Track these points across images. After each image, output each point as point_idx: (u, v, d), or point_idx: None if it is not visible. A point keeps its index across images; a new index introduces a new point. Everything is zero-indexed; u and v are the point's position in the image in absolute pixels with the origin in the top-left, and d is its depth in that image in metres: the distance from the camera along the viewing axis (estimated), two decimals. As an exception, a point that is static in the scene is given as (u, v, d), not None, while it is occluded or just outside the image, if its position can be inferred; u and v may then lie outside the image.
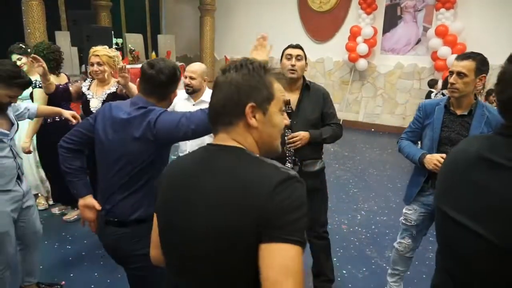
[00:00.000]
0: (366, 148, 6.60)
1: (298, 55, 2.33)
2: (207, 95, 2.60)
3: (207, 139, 1.94)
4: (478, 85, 2.04)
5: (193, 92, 2.74)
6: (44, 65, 2.66)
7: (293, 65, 2.30)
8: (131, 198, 1.66)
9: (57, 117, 3.38)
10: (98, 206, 1.74)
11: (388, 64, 7.54)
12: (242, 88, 0.98)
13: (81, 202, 1.76)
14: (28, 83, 2.15)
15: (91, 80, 3.01)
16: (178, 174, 1.07)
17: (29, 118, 2.56)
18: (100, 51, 2.84)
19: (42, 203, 3.85)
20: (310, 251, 2.65)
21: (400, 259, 2.47)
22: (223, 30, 9.00)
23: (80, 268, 2.95)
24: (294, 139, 2.25)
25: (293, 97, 2.33)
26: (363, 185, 4.87)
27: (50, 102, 3.09)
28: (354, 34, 7.44)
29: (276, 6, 8.44)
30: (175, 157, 1.86)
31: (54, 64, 3.39)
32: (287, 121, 1.09)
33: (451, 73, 2.06)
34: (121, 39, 7.29)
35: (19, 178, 2.23)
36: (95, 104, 2.87)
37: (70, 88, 3.02)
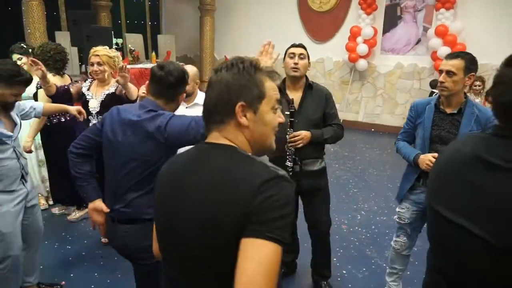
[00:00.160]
0: (366, 148, 6.60)
1: (301, 54, 2.35)
2: (200, 98, 2.63)
3: None
4: (467, 83, 2.08)
5: (186, 96, 2.77)
6: (43, 68, 2.67)
7: (296, 63, 2.33)
8: (145, 197, 1.70)
9: (62, 118, 3.39)
10: (106, 209, 1.79)
11: (388, 64, 7.54)
12: (232, 87, 0.99)
13: (90, 206, 1.81)
14: (29, 80, 2.16)
15: (92, 81, 3.02)
16: (172, 172, 1.09)
17: (35, 116, 2.59)
18: (100, 51, 2.84)
19: (42, 203, 3.85)
20: (310, 247, 2.73)
21: (397, 258, 2.49)
22: (223, 30, 9.00)
23: (80, 268, 2.96)
24: (296, 138, 2.26)
25: (296, 96, 2.35)
26: (363, 185, 4.87)
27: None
28: (354, 34, 7.45)
29: (276, 6, 8.44)
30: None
31: (61, 64, 3.41)
32: (281, 119, 1.09)
33: (441, 71, 2.10)
34: (121, 39, 7.29)
35: (23, 177, 2.24)
36: (93, 105, 2.87)
37: (71, 89, 3.03)
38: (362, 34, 7.35)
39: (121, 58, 3.03)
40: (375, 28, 7.37)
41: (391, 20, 7.42)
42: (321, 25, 8.06)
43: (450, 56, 2.09)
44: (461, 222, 0.96)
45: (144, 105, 1.74)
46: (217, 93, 1.01)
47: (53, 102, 3.04)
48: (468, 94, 5.63)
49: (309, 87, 2.42)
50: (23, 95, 2.32)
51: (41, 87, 3.17)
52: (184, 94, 1.87)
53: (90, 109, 2.86)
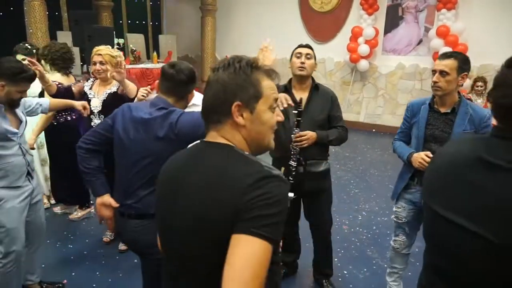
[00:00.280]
0: (367, 148, 6.60)
1: (307, 54, 2.37)
2: (197, 98, 2.66)
3: None
4: (460, 83, 2.12)
5: None
6: (40, 68, 2.70)
7: (302, 63, 2.35)
8: None
9: (68, 117, 3.40)
10: (114, 204, 1.81)
11: (389, 64, 7.54)
12: (228, 87, 0.99)
13: (98, 200, 1.84)
14: (33, 76, 2.19)
15: (94, 80, 3.03)
16: (171, 170, 1.11)
17: (42, 112, 2.60)
18: (103, 50, 2.86)
19: (44, 202, 3.86)
20: (311, 247, 2.76)
21: (397, 257, 2.50)
22: (224, 30, 9.00)
23: (81, 267, 2.97)
24: (302, 137, 2.26)
25: (302, 96, 2.35)
26: (364, 186, 4.87)
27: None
28: (355, 34, 7.44)
29: (277, 6, 8.44)
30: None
31: (69, 64, 3.43)
32: (280, 118, 1.09)
33: (434, 72, 2.13)
34: (122, 39, 7.30)
35: (29, 174, 2.27)
36: (95, 104, 2.89)
37: (73, 88, 3.04)
38: (364, 34, 7.35)
39: (123, 58, 3.04)
40: (376, 28, 7.37)
41: (393, 20, 7.41)
42: (322, 26, 8.05)
43: (443, 56, 2.12)
44: (461, 222, 0.97)
45: (155, 103, 1.78)
46: (214, 93, 1.01)
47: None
48: (470, 95, 5.63)
49: (315, 88, 2.44)
50: (29, 93, 2.34)
51: None
52: (193, 93, 1.91)
53: (92, 108, 2.87)
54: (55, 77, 3.25)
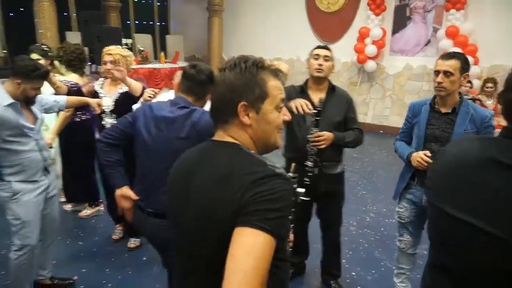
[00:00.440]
0: (374, 149, 6.57)
1: (326, 56, 2.37)
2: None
3: None
4: (463, 83, 2.14)
5: None
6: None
7: (320, 65, 2.35)
8: None
9: (83, 116, 3.44)
10: (134, 196, 1.87)
11: (397, 65, 7.51)
12: (234, 87, 1.00)
13: (118, 192, 1.89)
14: (46, 73, 2.26)
15: (104, 79, 3.06)
16: (181, 168, 1.12)
17: (59, 110, 2.67)
18: (113, 50, 2.90)
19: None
20: (319, 248, 2.76)
21: (403, 257, 2.50)
22: (231, 30, 9.02)
23: (91, 264, 3.00)
24: (320, 138, 2.25)
25: (319, 97, 2.35)
26: (372, 187, 4.85)
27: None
28: (362, 35, 7.42)
29: (283, 6, 8.44)
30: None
31: (84, 64, 3.50)
32: (287, 117, 1.10)
33: (437, 72, 2.15)
34: (130, 40, 7.35)
35: (46, 169, 2.31)
36: (107, 103, 2.92)
37: (83, 89, 3.08)
38: (371, 35, 7.32)
39: (133, 57, 3.08)
40: (384, 29, 7.34)
41: (400, 21, 7.38)
42: (329, 26, 8.04)
43: (446, 57, 2.14)
44: (470, 220, 0.98)
45: (176, 101, 1.85)
46: (220, 93, 1.03)
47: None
48: (480, 96, 5.60)
49: (332, 90, 2.44)
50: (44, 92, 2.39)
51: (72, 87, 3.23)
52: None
53: (104, 107, 2.90)
54: (72, 78, 3.32)
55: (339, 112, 2.40)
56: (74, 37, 6.64)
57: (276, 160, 1.05)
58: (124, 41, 6.54)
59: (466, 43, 6.38)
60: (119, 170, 1.91)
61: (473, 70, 6.31)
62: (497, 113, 4.09)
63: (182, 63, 7.52)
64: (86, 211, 3.75)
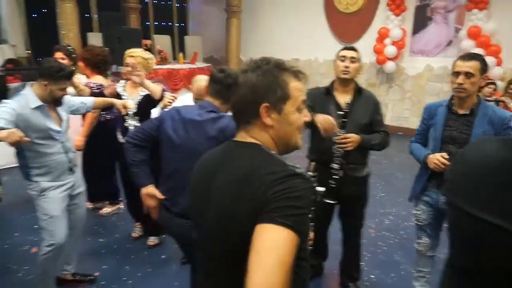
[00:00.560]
0: (393, 151, 6.45)
1: (352, 57, 2.33)
2: None
3: None
4: (482, 84, 2.14)
5: None
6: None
7: (346, 67, 2.31)
8: None
9: (107, 116, 3.50)
10: (159, 195, 1.91)
11: (417, 66, 7.39)
12: (256, 89, 1.02)
13: (143, 190, 1.94)
14: (71, 74, 2.31)
15: (126, 81, 3.10)
16: (203, 169, 1.14)
17: (87, 111, 2.74)
18: (135, 52, 2.93)
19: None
20: (338, 250, 2.75)
21: (422, 259, 2.48)
22: (249, 31, 9.04)
23: (112, 260, 3.05)
24: (347, 140, 2.23)
25: (344, 99, 2.33)
26: (391, 189, 4.79)
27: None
28: (382, 35, 7.34)
29: (302, 7, 8.41)
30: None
31: (108, 66, 3.58)
32: (307, 118, 1.11)
33: (457, 73, 2.12)
34: (150, 40, 7.43)
35: (71, 169, 2.37)
36: (130, 105, 2.95)
37: (105, 91, 3.14)
38: (390, 35, 7.23)
39: (154, 60, 3.11)
40: (404, 29, 7.24)
41: (421, 21, 7.26)
42: (348, 27, 7.98)
43: (466, 58, 2.12)
44: (494, 220, 0.97)
45: (204, 105, 1.90)
46: (242, 94, 1.04)
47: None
48: (503, 98, 5.46)
49: (358, 92, 2.40)
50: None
51: (97, 89, 3.30)
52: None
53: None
54: (96, 79, 3.37)
55: (365, 114, 2.37)
56: (95, 38, 6.77)
57: (300, 163, 1.05)
58: (143, 42, 6.62)
59: (488, 43, 6.24)
60: (145, 169, 1.95)
61: (496, 71, 6.16)
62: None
63: (200, 64, 7.58)
64: (107, 209, 3.81)
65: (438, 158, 2.12)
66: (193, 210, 1.16)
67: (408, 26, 7.33)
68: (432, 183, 2.28)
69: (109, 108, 3.34)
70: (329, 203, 2.28)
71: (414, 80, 7.48)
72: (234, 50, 8.77)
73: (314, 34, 8.16)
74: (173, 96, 2.69)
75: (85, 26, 7.25)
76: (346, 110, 2.22)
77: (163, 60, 7.08)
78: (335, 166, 2.25)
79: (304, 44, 8.27)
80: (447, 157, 2.10)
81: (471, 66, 2.07)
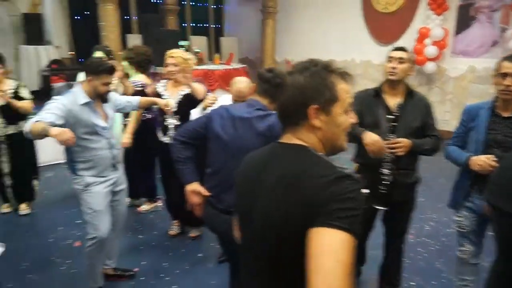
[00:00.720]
0: (434, 155, 6.27)
1: (400, 58, 2.25)
2: None
3: None
4: None
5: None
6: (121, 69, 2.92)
7: (393, 68, 2.24)
8: None
9: (148, 115, 3.59)
10: (204, 192, 1.93)
11: (459, 67, 7.10)
12: (304, 90, 1.02)
13: (188, 187, 1.97)
14: (112, 68, 2.36)
15: (166, 81, 3.17)
16: (249, 169, 1.15)
17: (132, 110, 2.84)
18: (176, 53, 3.02)
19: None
20: (376, 254, 2.70)
21: (465, 267, 2.39)
22: (284, 32, 9.01)
23: (150, 257, 3.12)
24: (398, 145, 2.16)
25: (394, 102, 2.26)
26: (431, 194, 4.62)
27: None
28: (422, 35, 7.11)
29: (338, 8, 8.30)
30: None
31: (151, 65, 3.70)
32: (353, 119, 1.10)
33: (504, 75, 2.03)
34: (187, 42, 7.57)
35: (114, 166, 2.44)
36: (172, 105, 3.01)
37: (146, 90, 3.23)
38: (431, 35, 6.99)
39: (194, 61, 3.17)
40: (446, 29, 6.99)
41: (464, 20, 6.98)
42: (386, 27, 7.79)
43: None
44: None
45: (252, 104, 1.91)
46: (290, 96, 1.04)
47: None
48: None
49: (410, 94, 2.31)
50: None
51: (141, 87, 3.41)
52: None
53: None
54: (140, 78, 3.48)
55: (417, 117, 2.27)
56: (134, 40, 6.97)
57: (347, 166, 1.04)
58: (181, 43, 6.74)
59: (538, 43, 5.92)
60: (190, 166, 1.98)
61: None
62: None
63: (235, 65, 7.63)
64: (145, 207, 3.90)
65: (484, 160, 2.05)
66: (238, 209, 1.17)
67: (450, 26, 7.06)
68: (475, 188, 2.21)
69: (148, 107, 3.42)
70: (375, 208, 2.22)
71: (456, 81, 7.20)
72: (269, 51, 8.76)
73: (350, 35, 8.03)
74: (215, 97, 2.73)
75: (124, 28, 7.48)
76: (397, 114, 2.15)
77: (199, 61, 7.18)
78: (385, 171, 2.18)
79: (340, 45, 8.15)
80: (495, 159, 2.02)
81: None
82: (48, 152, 4.29)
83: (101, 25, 6.47)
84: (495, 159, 2.02)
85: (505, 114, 2.11)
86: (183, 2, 9.00)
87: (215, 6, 9.68)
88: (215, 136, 1.90)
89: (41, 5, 7.40)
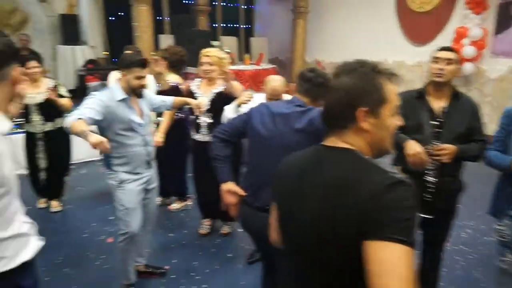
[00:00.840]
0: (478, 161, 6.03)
1: (448, 59, 2.13)
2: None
3: None
4: None
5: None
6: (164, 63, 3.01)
7: (440, 69, 2.12)
8: None
9: (180, 114, 3.63)
10: (240, 192, 1.92)
11: (499, 68, 6.80)
12: (352, 92, 0.99)
13: (224, 187, 1.96)
14: (144, 61, 2.37)
15: (200, 80, 3.20)
16: (292, 169, 1.13)
17: (166, 109, 2.87)
18: (211, 52, 3.04)
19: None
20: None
21: (506, 278, 2.35)
22: (315, 32, 8.92)
23: (181, 255, 3.14)
24: (443, 152, 2.04)
25: (439, 105, 2.15)
26: (469, 201, 4.42)
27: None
28: (459, 35, 6.85)
29: (371, 7, 8.13)
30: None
31: (184, 65, 3.76)
32: (400, 122, 1.06)
33: None
34: (217, 42, 7.63)
35: (148, 163, 2.47)
36: (204, 105, 3.03)
37: (180, 87, 3.27)
38: (469, 35, 6.73)
39: (228, 60, 3.18)
40: (485, 28, 6.71)
41: (504, 20, 6.68)
42: (421, 26, 7.56)
43: None
44: None
45: (292, 101, 1.92)
46: (338, 98, 1.02)
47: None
48: None
49: (455, 97, 2.17)
50: None
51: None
52: None
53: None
54: (172, 77, 3.53)
55: (463, 122, 2.13)
56: (166, 40, 7.08)
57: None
58: (213, 43, 6.80)
59: None
60: (227, 165, 1.98)
61: None
62: None
63: (265, 65, 7.62)
64: (175, 205, 3.94)
65: None
66: (281, 211, 1.16)
67: (489, 26, 6.78)
68: None
69: (181, 107, 3.46)
70: (419, 216, 2.14)
71: (496, 83, 6.90)
72: (299, 52, 8.71)
73: (383, 35, 7.85)
74: (250, 95, 2.72)
75: (157, 28, 7.62)
76: (441, 119, 2.05)
77: (230, 61, 7.23)
78: (430, 179, 2.08)
79: (372, 45, 7.98)
80: None
81: None
82: (82, 149, 4.41)
83: (135, 25, 6.61)
84: None
85: None
86: (214, 3, 9.07)
87: (245, 7, 9.71)
88: (255, 133, 1.90)
89: (77, 6, 7.65)
